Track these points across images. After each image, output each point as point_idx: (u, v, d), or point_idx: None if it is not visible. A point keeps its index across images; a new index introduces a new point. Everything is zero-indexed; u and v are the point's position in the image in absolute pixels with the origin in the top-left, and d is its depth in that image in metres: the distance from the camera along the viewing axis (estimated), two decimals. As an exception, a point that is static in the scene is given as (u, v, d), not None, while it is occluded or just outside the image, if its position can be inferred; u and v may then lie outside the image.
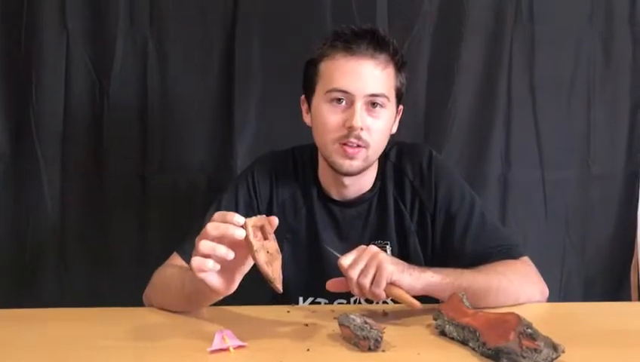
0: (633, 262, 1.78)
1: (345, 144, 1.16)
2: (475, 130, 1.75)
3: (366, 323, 0.92)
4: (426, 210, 1.25)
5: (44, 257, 1.77)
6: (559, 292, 1.74)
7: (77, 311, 1.19)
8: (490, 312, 0.93)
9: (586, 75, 1.75)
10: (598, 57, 1.76)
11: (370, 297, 1.04)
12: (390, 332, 0.96)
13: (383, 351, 0.90)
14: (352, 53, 1.15)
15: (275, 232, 1.25)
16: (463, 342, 0.91)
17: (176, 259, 1.24)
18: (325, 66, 1.18)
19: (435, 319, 0.98)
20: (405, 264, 1.05)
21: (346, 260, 1.03)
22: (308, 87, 1.23)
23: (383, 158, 1.27)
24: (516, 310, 1.05)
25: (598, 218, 1.77)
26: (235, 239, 0.92)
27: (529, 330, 0.84)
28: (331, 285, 1.07)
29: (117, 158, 1.76)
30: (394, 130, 1.25)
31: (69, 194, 1.77)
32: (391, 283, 1.02)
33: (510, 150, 1.75)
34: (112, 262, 1.77)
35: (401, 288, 1.03)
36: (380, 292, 1.02)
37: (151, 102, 1.75)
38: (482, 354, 0.87)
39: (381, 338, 0.91)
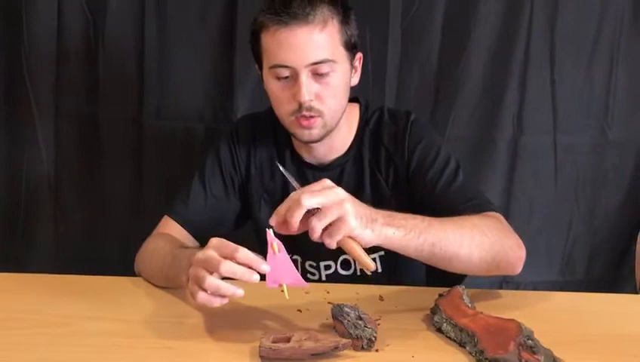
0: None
1: (300, 117, 1.11)
2: (488, 91, 1.66)
3: (360, 318, 0.89)
4: (400, 173, 1.20)
5: (38, 203, 1.75)
6: (562, 262, 1.71)
7: (60, 278, 1.16)
8: (490, 316, 0.89)
9: (612, 35, 1.65)
10: (627, 15, 1.65)
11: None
12: (385, 325, 0.93)
13: (377, 350, 0.87)
14: (285, 22, 1.07)
15: (254, 191, 1.25)
16: (460, 344, 0.88)
17: (167, 223, 1.23)
18: (264, 39, 1.11)
19: (432, 313, 0.95)
20: (370, 214, 0.90)
21: (305, 196, 0.86)
22: (256, 58, 1.17)
23: (362, 124, 1.23)
24: (518, 303, 1.04)
25: (609, 187, 1.71)
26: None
27: (530, 341, 0.80)
28: (277, 224, 0.90)
29: (112, 103, 1.71)
30: (354, 82, 1.19)
31: (63, 140, 1.73)
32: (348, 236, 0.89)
33: (523, 113, 1.67)
34: (107, 208, 1.76)
35: (358, 242, 0.89)
36: (331, 243, 0.88)
37: (148, 44, 1.67)
38: (478, 361, 0.83)
39: (375, 337, 0.87)
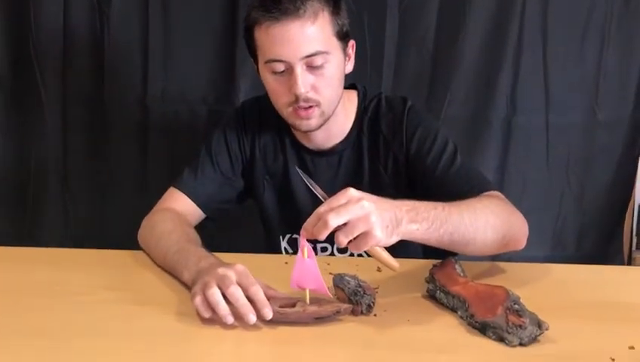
0: (629, 209, 1.80)
1: (297, 108, 1.15)
2: (483, 72, 1.72)
3: (359, 286, 0.95)
4: (399, 160, 1.24)
5: (47, 184, 1.81)
6: (553, 238, 1.78)
7: (73, 252, 1.23)
8: (480, 284, 0.96)
9: (602, 18, 1.70)
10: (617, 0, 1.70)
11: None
12: (383, 293, 1.00)
13: (375, 315, 0.93)
14: (277, 18, 1.10)
15: (257, 173, 1.30)
16: (453, 310, 0.95)
17: (173, 195, 1.27)
18: (258, 35, 1.14)
19: (427, 282, 1.01)
20: (395, 216, 0.89)
21: (331, 216, 0.85)
22: (251, 53, 1.20)
23: (361, 113, 1.27)
24: (507, 273, 1.12)
25: (599, 165, 1.78)
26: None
27: (516, 306, 0.87)
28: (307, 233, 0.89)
29: (118, 86, 1.76)
30: (349, 70, 1.22)
31: (70, 122, 1.79)
32: None
33: (516, 93, 1.73)
34: (114, 188, 1.82)
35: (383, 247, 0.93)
36: (357, 251, 0.90)
37: (152, 28, 1.73)
38: (469, 325, 0.90)
39: (373, 303, 0.94)
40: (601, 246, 1.80)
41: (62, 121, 1.78)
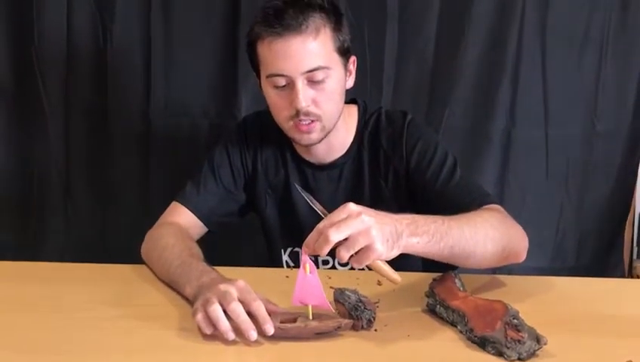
0: (629, 219, 1.81)
1: (298, 122, 1.17)
2: (482, 85, 1.73)
3: (360, 301, 0.96)
4: (399, 174, 1.25)
5: (49, 194, 1.83)
6: (553, 249, 1.78)
7: (73, 266, 1.23)
8: (479, 298, 0.96)
9: (601, 31, 1.72)
10: (615, 10, 1.72)
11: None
12: (383, 307, 1.01)
13: (375, 330, 0.94)
14: (279, 33, 1.12)
15: (259, 188, 1.31)
16: (452, 324, 0.95)
17: (176, 209, 1.28)
18: (260, 49, 1.16)
19: (427, 296, 1.02)
20: (395, 230, 0.89)
21: (331, 232, 0.86)
22: (254, 67, 1.22)
23: (361, 127, 1.28)
24: (506, 287, 1.12)
25: (598, 176, 1.79)
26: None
27: (515, 321, 0.88)
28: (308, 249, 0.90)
29: (120, 98, 1.77)
30: (350, 85, 1.23)
31: (72, 133, 1.80)
32: None
33: (516, 106, 1.74)
34: (116, 199, 1.83)
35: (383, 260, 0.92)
36: (359, 267, 0.90)
37: (155, 41, 1.74)
38: (468, 339, 0.90)
39: (374, 318, 0.94)
40: (601, 256, 1.81)
41: (64, 131, 1.79)
